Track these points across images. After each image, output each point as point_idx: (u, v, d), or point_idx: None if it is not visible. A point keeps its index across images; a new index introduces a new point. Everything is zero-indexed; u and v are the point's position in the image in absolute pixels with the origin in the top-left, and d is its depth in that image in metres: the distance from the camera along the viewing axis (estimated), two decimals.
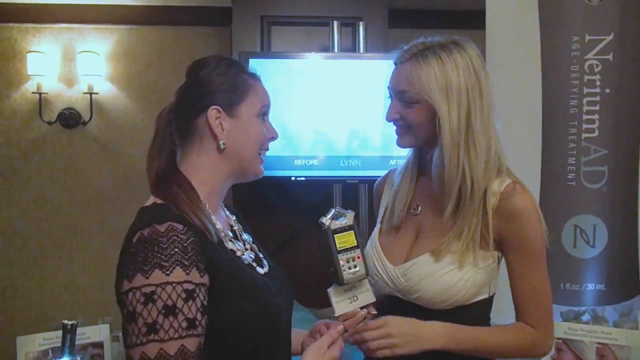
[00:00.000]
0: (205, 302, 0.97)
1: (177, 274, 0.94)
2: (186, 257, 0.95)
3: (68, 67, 3.38)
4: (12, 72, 3.36)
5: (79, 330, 1.79)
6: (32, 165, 3.41)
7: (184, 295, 0.94)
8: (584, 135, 2.31)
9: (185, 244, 0.96)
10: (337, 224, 1.17)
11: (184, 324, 0.93)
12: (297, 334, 1.27)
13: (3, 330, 3.32)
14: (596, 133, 2.31)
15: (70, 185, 3.44)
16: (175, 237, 0.96)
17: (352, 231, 1.18)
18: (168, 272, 0.93)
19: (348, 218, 1.18)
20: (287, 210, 2.90)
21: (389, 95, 1.31)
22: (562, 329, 1.95)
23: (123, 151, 3.43)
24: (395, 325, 1.17)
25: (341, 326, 1.16)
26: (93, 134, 3.43)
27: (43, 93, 3.32)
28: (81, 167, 3.43)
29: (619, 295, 2.40)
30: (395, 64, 1.29)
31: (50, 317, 3.26)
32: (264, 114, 1.16)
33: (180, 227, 0.98)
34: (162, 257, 0.94)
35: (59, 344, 1.71)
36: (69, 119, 3.38)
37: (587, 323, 2.14)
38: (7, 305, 3.40)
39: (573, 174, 2.34)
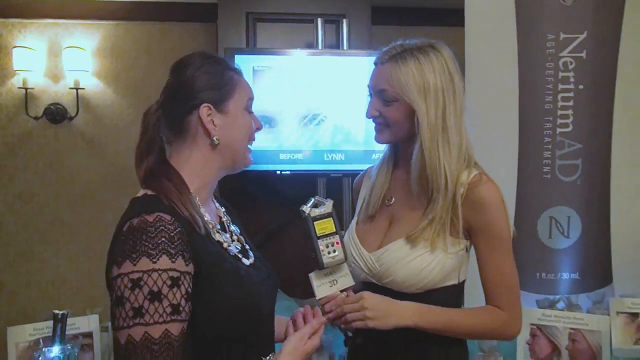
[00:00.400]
0: (189, 290, 1.02)
1: (163, 262, 0.98)
2: (172, 246, 1.00)
3: (54, 62, 3.38)
4: None
5: (68, 320, 1.83)
6: (19, 160, 3.42)
7: (169, 282, 0.98)
8: (558, 129, 2.41)
9: (172, 234, 1.01)
10: (317, 211, 1.24)
11: (169, 309, 0.98)
12: (280, 321, 1.31)
13: None
14: (570, 128, 2.40)
15: (56, 180, 3.45)
16: (162, 227, 1.00)
17: (330, 218, 1.24)
18: (155, 260, 0.98)
19: (327, 206, 1.25)
20: (273, 203, 2.95)
21: (369, 93, 1.38)
22: (536, 315, 2.03)
23: (109, 146, 3.45)
24: (369, 300, 1.25)
25: (323, 318, 1.22)
26: (79, 129, 3.44)
27: (29, 88, 3.33)
28: (67, 162, 3.45)
29: (592, 283, 2.50)
30: (375, 64, 1.36)
31: (37, 311, 3.27)
32: (249, 106, 1.21)
33: (168, 217, 1.02)
34: (150, 245, 0.98)
35: (49, 334, 1.74)
36: (55, 114, 3.39)
37: (562, 310, 2.23)
38: None
39: (548, 167, 2.43)
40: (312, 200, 1.25)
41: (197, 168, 1.16)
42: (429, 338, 1.29)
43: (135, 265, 0.98)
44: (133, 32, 3.42)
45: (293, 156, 2.63)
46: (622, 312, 2.19)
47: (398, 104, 1.30)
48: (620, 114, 2.41)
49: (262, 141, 2.56)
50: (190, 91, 1.15)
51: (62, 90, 3.39)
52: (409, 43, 1.32)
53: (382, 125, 1.35)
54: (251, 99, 1.22)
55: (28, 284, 3.45)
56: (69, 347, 1.74)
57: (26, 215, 3.44)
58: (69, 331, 1.89)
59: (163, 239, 0.99)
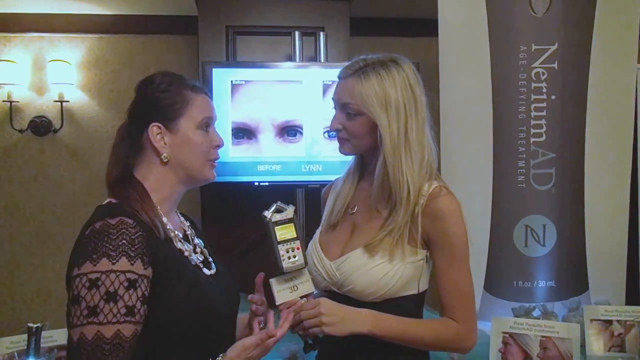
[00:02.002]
0: (146, 293, 1.05)
1: (122, 264, 1.02)
2: (132, 249, 1.04)
3: (39, 75, 3.42)
4: None
5: (46, 333, 1.84)
6: (4, 173, 3.45)
7: (126, 284, 1.02)
8: (532, 139, 2.43)
9: (133, 237, 1.04)
10: (278, 216, 1.24)
11: (123, 310, 1.01)
12: (242, 321, 1.34)
13: None
14: (544, 137, 2.43)
15: (41, 192, 3.48)
16: (124, 230, 1.04)
17: (292, 224, 1.25)
18: (114, 261, 1.01)
19: (288, 212, 1.26)
20: (253, 214, 2.96)
21: (334, 106, 1.40)
22: (508, 323, 2.04)
23: (94, 158, 3.48)
24: (326, 306, 1.25)
25: (273, 332, 1.20)
26: (64, 142, 3.48)
27: (14, 101, 3.36)
28: (52, 174, 3.48)
29: (568, 291, 2.52)
30: (339, 78, 1.38)
31: (23, 323, 3.27)
32: (206, 125, 1.23)
33: (130, 221, 1.06)
34: (110, 247, 1.02)
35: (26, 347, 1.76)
36: (40, 126, 3.43)
37: (537, 318, 2.24)
38: None
39: (523, 177, 2.45)
40: (274, 205, 1.26)
41: (155, 183, 1.20)
42: (390, 347, 1.31)
43: (95, 265, 1.01)
44: (116, 45, 3.46)
45: (271, 167, 2.65)
46: (595, 320, 2.20)
47: (361, 118, 1.32)
48: (593, 123, 2.44)
49: (240, 153, 2.60)
50: (143, 110, 1.20)
51: (46, 103, 3.43)
52: (371, 57, 1.35)
53: (344, 139, 1.37)
54: (208, 117, 1.24)
55: (13, 295, 3.47)
56: None
57: (11, 227, 3.47)
58: (47, 343, 1.90)
59: (124, 241, 1.03)
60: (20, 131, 3.42)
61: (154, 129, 1.18)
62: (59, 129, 3.44)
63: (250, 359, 1.15)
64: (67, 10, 3.35)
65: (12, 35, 3.40)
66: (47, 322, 1.90)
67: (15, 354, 1.88)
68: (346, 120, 1.34)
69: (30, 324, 1.75)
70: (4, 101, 3.36)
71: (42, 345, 1.77)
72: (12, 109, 3.38)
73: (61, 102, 3.38)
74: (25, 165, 3.46)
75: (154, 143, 1.18)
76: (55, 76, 3.36)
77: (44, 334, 1.78)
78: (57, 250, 3.48)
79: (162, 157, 1.18)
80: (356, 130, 1.34)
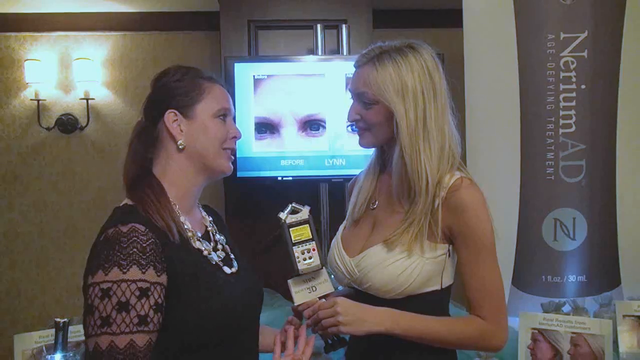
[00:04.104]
0: (159, 301, 1.04)
1: (133, 273, 1.01)
2: (144, 257, 1.02)
3: (65, 74, 3.48)
4: (11, 80, 3.47)
5: (74, 327, 1.86)
6: (32, 170, 3.52)
7: (137, 293, 1.00)
8: (561, 130, 2.36)
9: (144, 245, 1.03)
10: (293, 218, 1.23)
11: (135, 320, 1.00)
12: (269, 332, 1.33)
13: (5, 330, 3.42)
14: (573, 128, 2.36)
15: (69, 189, 3.54)
16: (135, 238, 1.03)
17: (307, 225, 1.24)
18: (125, 270, 1.00)
19: (303, 213, 1.25)
20: (277, 209, 2.96)
21: (351, 97, 1.36)
22: (537, 319, 1.99)
23: (119, 154, 3.51)
24: (343, 305, 1.22)
25: (298, 357, 1.19)
26: (90, 139, 3.52)
27: (41, 100, 3.42)
28: (79, 171, 3.53)
29: (599, 286, 2.44)
30: (355, 67, 1.34)
31: (52, 317, 3.33)
32: (223, 115, 1.21)
33: (142, 228, 1.04)
34: (122, 256, 1.01)
35: (53, 342, 1.79)
36: (67, 124, 3.48)
37: (567, 314, 2.19)
38: (10, 306, 3.51)
39: (552, 169, 2.39)
40: (290, 206, 1.25)
41: (174, 177, 1.18)
42: (414, 345, 1.26)
43: (106, 275, 1.01)
44: (140, 42, 3.49)
45: (294, 162, 2.64)
46: (628, 316, 2.14)
47: (378, 107, 1.27)
48: (624, 112, 2.35)
49: (263, 147, 2.60)
50: (159, 99, 1.19)
51: (72, 101, 3.48)
52: (387, 44, 1.30)
53: (363, 129, 1.33)
54: (225, 108, 1.22)
55: (43, 290, 3.53)
56: (71, 355, 1.77)
57: (41, 224, 3.53)
58: (74, 338, 1.92)
59: (135, 250, 1.02)
60: (48, 129, 3.47)
61: (170, 116, 1.16)
62: (85, 126, 3.49)
63: None
64: (92, 9, 3.39)
65: (39, 34, 3.46)
66: (75, 317, 1.92)
67: (44, 348, 1.91)
68: (363, 109, 1.30)
69: (58, 319, 1.77)
70: (31, 100, 3.42)
71: (69, 340, 1.79)
72: (40, 108, 3.44)
73: (87, 99, 3.43)
74: (53, 163, 3.52)
75: (170, 130, 1.16)
76: (81, 74, 3.40)
77: (71, 328, 1.81)
78: (86, 245, 3.47)
79: (178, 143, 1.16)
80: (373, 119, 1.29)
